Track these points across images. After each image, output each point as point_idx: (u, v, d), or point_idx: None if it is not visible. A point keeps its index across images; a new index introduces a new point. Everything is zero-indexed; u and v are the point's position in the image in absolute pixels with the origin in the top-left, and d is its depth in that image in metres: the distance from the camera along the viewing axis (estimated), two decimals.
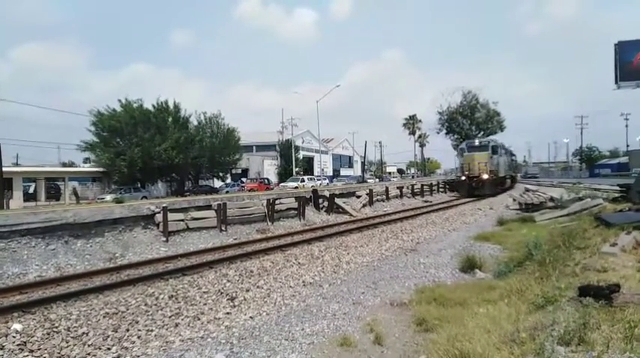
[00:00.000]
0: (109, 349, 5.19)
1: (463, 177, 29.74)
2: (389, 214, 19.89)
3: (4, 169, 29.31)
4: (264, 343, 5.19)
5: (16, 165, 45.69)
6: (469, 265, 8.39)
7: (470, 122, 58.03)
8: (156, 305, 6.63)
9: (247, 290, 7.52)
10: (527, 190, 26.76)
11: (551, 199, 18.78)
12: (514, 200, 21.65)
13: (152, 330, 5.73)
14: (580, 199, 16.14)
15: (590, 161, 78.30)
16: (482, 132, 52.14)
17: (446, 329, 4.72)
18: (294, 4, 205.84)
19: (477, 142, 31.56)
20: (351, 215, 20.16)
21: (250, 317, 6.29)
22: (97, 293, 7.55)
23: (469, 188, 29.26)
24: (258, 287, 7.75)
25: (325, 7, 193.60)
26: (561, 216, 13.74)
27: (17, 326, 5.56)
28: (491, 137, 43.80)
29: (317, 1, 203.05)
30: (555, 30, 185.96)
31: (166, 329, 5.80)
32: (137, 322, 5.97)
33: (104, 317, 6.08)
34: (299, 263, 9.48)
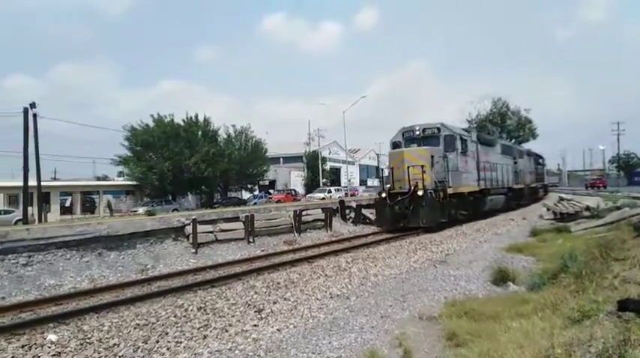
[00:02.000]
0: None
1: (384, 194, 16.92)
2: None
3: (42, 184, 30.56)
4: (292, 356, 5.16)
5: (54, 179, 47.50)
6: (501, 277, 8.14)
7: (500, 130, 56.83)
8: (185, 316, 6.71)
9: (274, 303, 7.52)
10: (562, 199, 25.87)
11: (587, 208, 18.12)
12: (548, 209, 21.00)
13: (181, 342, 5.79)
14: (618, 208, 15.51)
15: (628, 168, 75.32)
16: (513, 140, 50.82)
17: (477, 344, 4.57)
18: (319, 18, 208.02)
19: (416, 130, 18.32)
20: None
21: (277, 329, 6.27)
22: (129, 304, 7.72)
23: (391, 214, 16.50)
24: (285, 299, 7.74)
25: (350, 19, 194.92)
26: (598, 226, 13.23)
27: (52, 337, 5.72)
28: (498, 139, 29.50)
29: (342, 14, 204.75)
30: (586, 35, 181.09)
31: (195, 341, 5.85)
32: (167, 333, 6.05)
33: (135, 328, 6.19)
34: (326, 275, 9.43)
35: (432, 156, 16.90)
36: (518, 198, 27.04)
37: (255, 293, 8.04)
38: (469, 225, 18.23)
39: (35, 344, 5.53)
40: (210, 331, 6.21)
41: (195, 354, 5.43)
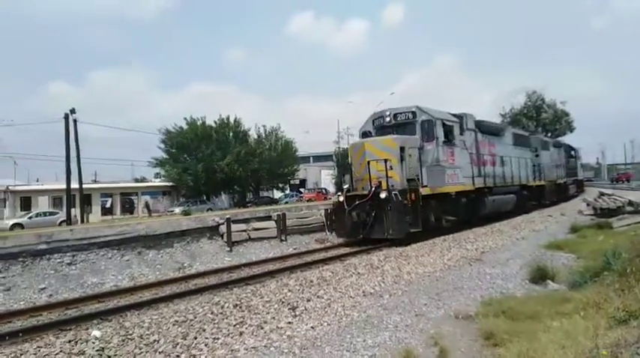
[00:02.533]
0: (178, 356, 5.42)
1: (341, 198, 14.19)
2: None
3: (84, 186, 31.82)
4: (326, 354, 5.19)
5: (95, 181, 49.36)
6: (540, 275, 7.91)
7: (536, 124, 55.05)
8: (221, 313, 6.84)
9: (308, 300, 7.57)
10: (602, 194, 24.84)
11: (630, 203, 17.35)
12: (588, 205, 20.24)
13: (218, 338, 5.91)
14: None
15: None
16: (549, 134, 49.14)
17: (516, 343, 4.47)
18: (346, 16, 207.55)
19: (387, 116, 14.86)
20: None
21: (311, 327, 6.31)
22: (167, 301, 7.97)
23: (350, 222, 13.41)
24: (318, 297, 7.78)
25: (377, 16, 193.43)
26: None
27: (96, 333, 5.95)
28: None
29: (368, 12, 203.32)
30: (623, 23, 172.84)
31: (231, 338, 5.96)
32: (204, 330, 6.19)
33: (174, 325, 6.36)
34: (358, 273, 9.41)
35: (403, 148, 13.41)
36: (537, 196, 23.35)
37: (289, 290, 8.11)
38: (506, 223, 17.74)
39: (80, 339, 5.77)
40: (246, 328, 6.31)
41: (232, 350, 5.54)
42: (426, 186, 13.43)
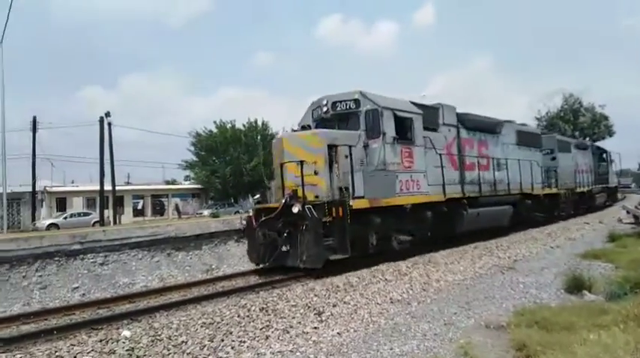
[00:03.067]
0: None
1: (251, 211, 11.60)
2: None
3: (116, 188, 32.78)
4: None
5: (127, 183, 50.79)
6: (576, 285, 7.61)
7: (573, 127, 53.37)
8: (248, 316, 6.87)
9: (334, 306, 7.51)
10: None
11: None
12: (628, 212, 19.41)
13: (244, 341, 5.93)
14: None
15: None
16: (587, 138, 47.50)
17: (550, 356, 4.29)
18: (375, 18, 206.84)
19: (324, 105, 11.77)
20: None
21: (338, 333, 6.25)
22: (196, 303, 8.07)
23: (261, 243, 10.19)
24: (344, 302, 7.71)
25: (407, 18, 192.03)
26: None
27: (126, 333, 6.06)
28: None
29: (398, 14, 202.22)
30: None
31: (257, 341, 5.97)
32: (231, 333, 6.22)
33: (201, 326, 6.42)
34: (386, 279, 9.29)
35: (333, 146, 10.26)
36: (548, 207, 19.61)
37: (315, 295, 8.08)
38: (540, 230, 17.15)
39: (111, 339, 5.89)
40: (272, 332, 6.31)
41: (258, 354, 5.54)
42: (361, 198, 10.29)
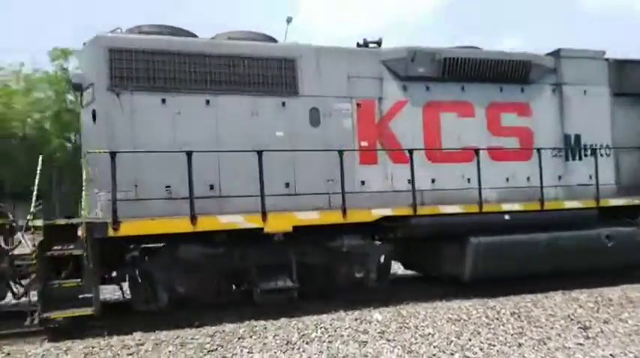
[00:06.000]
0: (452, 354, 5.41)
1: None
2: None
3: None
4: None
5: None
6: None
7: None
8: (497, 319, 6.49)
9: (605, 322, 6.40)
10: None
11: None
12: None
13: (494, 345, 5.65)
14: None
15: None
16: None
17: None
18: None
19: None
20: None
21: (610, 354, 5.32)
22: (442, 297, 8.04)
23: None
24: (621, 320, 6.47)
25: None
26: None
27: (378, 316, 6.53)
28: None
29: None
30: None
31: (509, 347, 5.60)
32: (479, 333, 6.00)
33: (447, 321, 6.38)
34: None
35: None
36: None
37: (580, 306, 7.03)
38: None
39: (365, 319, 6.43)
40: (525, 340, 5.82)
41: None
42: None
